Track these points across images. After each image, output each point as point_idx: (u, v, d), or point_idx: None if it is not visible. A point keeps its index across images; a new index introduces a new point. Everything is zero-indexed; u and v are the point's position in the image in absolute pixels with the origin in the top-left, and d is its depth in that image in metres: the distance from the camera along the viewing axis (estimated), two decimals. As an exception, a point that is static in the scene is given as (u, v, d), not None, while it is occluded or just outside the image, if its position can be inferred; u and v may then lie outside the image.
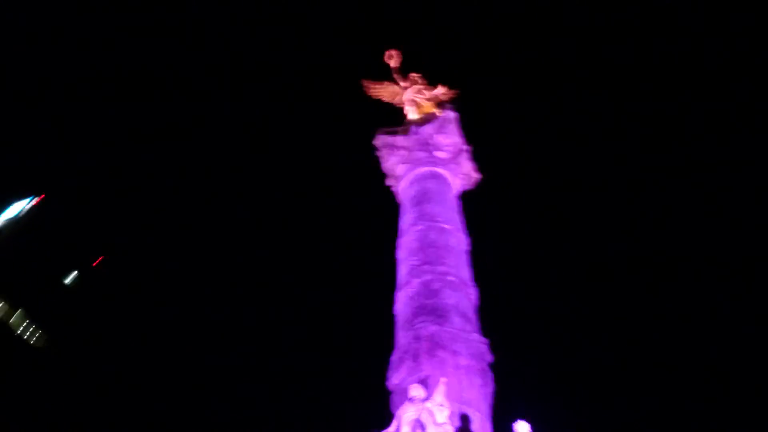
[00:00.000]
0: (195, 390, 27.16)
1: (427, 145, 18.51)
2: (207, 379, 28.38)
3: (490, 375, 13.22)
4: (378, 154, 19.50)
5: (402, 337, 13.62)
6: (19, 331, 31.95)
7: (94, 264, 35.45)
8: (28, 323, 31.94)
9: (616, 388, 25.84)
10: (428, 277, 14.33)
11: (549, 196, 32.94)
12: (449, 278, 14.36)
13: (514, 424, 10.99)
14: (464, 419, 11.97)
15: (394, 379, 13.07)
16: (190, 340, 29.47)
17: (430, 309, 13.58)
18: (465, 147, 19.15)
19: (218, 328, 30.07)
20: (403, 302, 14.42)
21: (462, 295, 14.28)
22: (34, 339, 31.84)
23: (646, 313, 29.58)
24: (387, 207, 19.22)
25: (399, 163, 18.71)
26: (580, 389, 25.09)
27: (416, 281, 14.33)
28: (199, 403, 26.95)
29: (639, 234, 31.76)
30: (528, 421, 11.11)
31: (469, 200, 18.80)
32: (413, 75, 21.03)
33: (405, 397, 11.88)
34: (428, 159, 18.02)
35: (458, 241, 15.79)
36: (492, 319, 15.51)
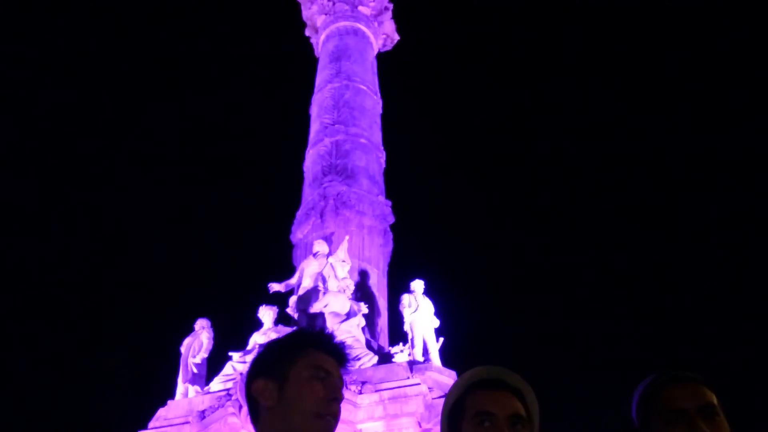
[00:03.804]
0: (97, 238, 26.59)
1: (350, -2, 17.81)
2: (109, 227, 27.78)
3: (390, 235, 13.90)
4: (299, -1, 18.61)
5: (309, 194, 13.86)
6: None
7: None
8: None
9: (508, 252, 27.66)
10: (340, 137, 14.39)
11: (467, 64, 32.92)
12: (361, 140, 14.51)
13: (411, 282, 11.70)
14: (363, 275, 12.69)
15: (299, 234, 13.47)
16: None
17: (339, 169, 13.79)
18: (388, 5, 18.61)
19: (123, 180, 29.02)
20: (312, 160, 14.51)
21: (372, 157, 14.54)
22: None
23: (552, 181, 31.11)
24: (304, 60, 18.72)
25: (320, 13, 17.95)
26: (472, 256, 26.73)
27: (328, 140, 14.36)
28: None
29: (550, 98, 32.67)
30: (423, 279, 11.89)
31: (385, 62, 18.62)
32: None
33: (308, 251, 12.37)
34: (351, 14, 17.37)
35: (373, 103, 15.75)
36: (396, 182, 16.04)
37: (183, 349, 11.88)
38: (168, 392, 11.61)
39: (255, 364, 2.03)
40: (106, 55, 30.53)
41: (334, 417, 1.90)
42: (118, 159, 30.10)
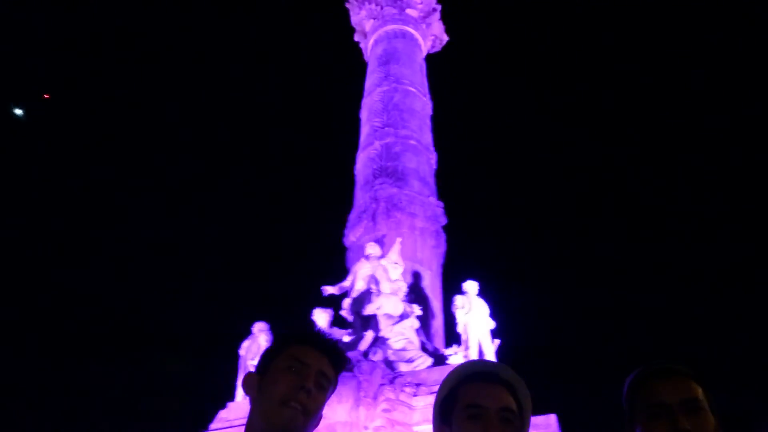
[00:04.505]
0: (149, 241, 27.42)
1: (398, 1, 17.87)
2: (162, 229, 28.64)
3: (443, 236, 13.86)
4: (347, 5, 18.80)
5: (361, 197, 13.97)
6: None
7: (45, 97, 33.88)
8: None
9: (565, 250, 27.21)
10: (390, 139, 14.45)
11: (515, 62, 32.55)
12: (411, 142, 14.53)
13: (463, 284, 11.64)
14: (416, 276, 12.69)
15: (351, 237, 13.58)
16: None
17: (390, 171, 13.85)
18: (436, 6, 18.61)
19: (173, 182, 29.80)
20: (363, 163, 14.62)
21: (423, 159, 14.55)
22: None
23: (606, 179, 30.52)
24: (354, 65, 18.87)
25: (368, 18, 18.10)
26: (526, 254, 26.41)
27: (378, 143, 14.45)
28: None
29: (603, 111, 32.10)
30: (476, 280, 11.81)
31: (435, 63, 18.60)
32: None
33: (361, 254, 12.44)
34: (399, 16, 17.45)
35: (423, 105, 15.76)
36: (449, 183, 16.00)
37: (242, 352, 12.10)
38: (228, 394, 11.86)
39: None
40: (159, 74, 31.44)
41: (303, 405, 1.93)
42: (174, 167, 30.96)
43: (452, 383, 1.96)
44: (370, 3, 18.09)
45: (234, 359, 12.23)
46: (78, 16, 29.74)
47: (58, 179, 27.80)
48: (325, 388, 2.03)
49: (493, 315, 11.37)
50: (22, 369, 21.27)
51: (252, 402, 2.02)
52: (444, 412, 1.95)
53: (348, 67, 20.05)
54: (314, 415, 1.97)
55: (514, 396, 1.91)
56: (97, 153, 28.87)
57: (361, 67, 17.84)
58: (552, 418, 9.72)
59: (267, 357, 2.09)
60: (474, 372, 1.95)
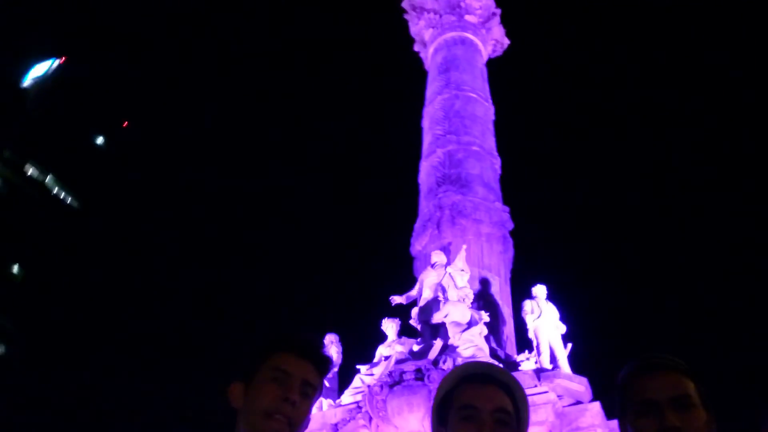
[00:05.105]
0: (223, 256, 28.29)
1: (457, 8, 17.84)
2: (235, 245, 29.51)
3: (510, 241, 13.66)
4: (406, 16, 18.90)
5: (425, 206, 13.96)
6: (54, 192, 32.85)
7: (124, 125, 35.59)
8: (61, 185, 32.77)
9: (628, 255, 26.41)
10: (452, 146, 14.40)
11: (579, 63, 31.89)
12: (473, 148, 14.43)
13: (532, 288, 11.46)
14: (484, 283, 12.56)
15: (417, 246, 13.58)
16: (219, 200, 30.20)
17: (453, 178, 13.79)
18: (496, 10, 18.45)
19: (246, 197, 30.72)
20: (426, 171, 14.61)
21: (486, 165, 14.41)
22: (70, 200, 32.85)
23: (673, 180, 29.47)
24: (415, 74, 18.93)
25: (427, 27, 18.14)
26: (596, 256, 25.72)
27: (440, 151, 14.43)
28: (228, 268, 28.27)
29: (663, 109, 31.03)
30: (545, 285, 11.60)
31: (497, 67, 18.43)
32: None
33: (427, 263, 12.43)
34: (458, 23, 17.40)
35: (485, 110, 15.63)
36: (516, 187, 15.79)
37: (313, 364, 12.25)
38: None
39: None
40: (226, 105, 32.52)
41: (288, 417, 1.91)
42: (245, 179, 31.88)
43: (449, 385, 1.97)
44: (428, 12, 18.12)
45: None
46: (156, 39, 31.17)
47: (144, 197, 29.17)
48: (310, 396, 2.02)
49: (564, 319, 11.14)
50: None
51: (238, 413, 1.99)
52: (441, 414, 1.96)
53: (409, 77, 20.16)
54: (300, 424, 1.97)
55: (510, 397, 1.91)
56: (173, 172, 30.06)
57: (422, 76, 17.89)
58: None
59: (251, 365, 2.04)
60: (470, 373, 1.96)
